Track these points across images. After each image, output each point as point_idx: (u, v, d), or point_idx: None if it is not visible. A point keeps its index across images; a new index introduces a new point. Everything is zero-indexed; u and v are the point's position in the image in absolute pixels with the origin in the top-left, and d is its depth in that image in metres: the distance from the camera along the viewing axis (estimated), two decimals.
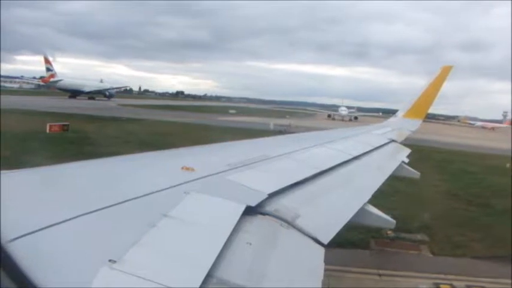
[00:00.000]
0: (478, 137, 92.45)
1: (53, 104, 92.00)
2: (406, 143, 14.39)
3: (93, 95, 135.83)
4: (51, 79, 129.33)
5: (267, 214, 4.15)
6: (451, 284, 15.16)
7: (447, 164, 43.59)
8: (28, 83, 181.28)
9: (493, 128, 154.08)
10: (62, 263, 2.43)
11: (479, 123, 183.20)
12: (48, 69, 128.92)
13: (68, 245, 2.67)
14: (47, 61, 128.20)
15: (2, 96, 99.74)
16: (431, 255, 18.21)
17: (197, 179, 4.51)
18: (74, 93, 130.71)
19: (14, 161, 22.53)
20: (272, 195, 4.58)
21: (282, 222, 4.11)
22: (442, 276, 15.81)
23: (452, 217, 23.35)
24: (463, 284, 15.19)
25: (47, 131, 41.68)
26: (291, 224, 4.14)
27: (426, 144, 47.47)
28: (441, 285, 15.04)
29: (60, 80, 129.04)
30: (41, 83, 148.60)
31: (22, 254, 2.27)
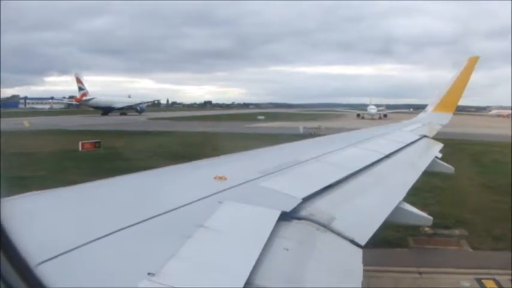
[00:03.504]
0: (505, 126, 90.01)
1: (85, 122, 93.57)
2: (437, 137, 14.21)
3: (124, 110, 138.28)
4: (84, 98, 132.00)
5: (303, 219, 4.16)
6: (493, 279, 14.84)
7: (480, 156, 42.84)
8: (59, 103, 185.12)
9: (508, 116, 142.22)
10: (102, 278, 2.50)
11: (494, 112, 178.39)
12: (80, 89, 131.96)
13: (107, 260, 2.74)
14: (78, 81, 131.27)
15: (35, 118, 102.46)
16: (471, 250, 17.85)
17: (230, 187, 4.54)
18: (106, 110, 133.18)
19: (49, 181, 22.94)
20: (306, 200, 4.59)
21: (318, 226, 4.11)
22: (484, 271, 15.45)
23: (490, 210, 22.84)
24: (506, 278, 14.84)
25: (80, 149, 42.29)
26: (326, 227, 4.14)
27: (456, 138, 46.63)
28: (483, 281, 14.72)
29: (92, 98, 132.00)
30: (73, 102, 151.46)
31: (61, 272, 2.34)
